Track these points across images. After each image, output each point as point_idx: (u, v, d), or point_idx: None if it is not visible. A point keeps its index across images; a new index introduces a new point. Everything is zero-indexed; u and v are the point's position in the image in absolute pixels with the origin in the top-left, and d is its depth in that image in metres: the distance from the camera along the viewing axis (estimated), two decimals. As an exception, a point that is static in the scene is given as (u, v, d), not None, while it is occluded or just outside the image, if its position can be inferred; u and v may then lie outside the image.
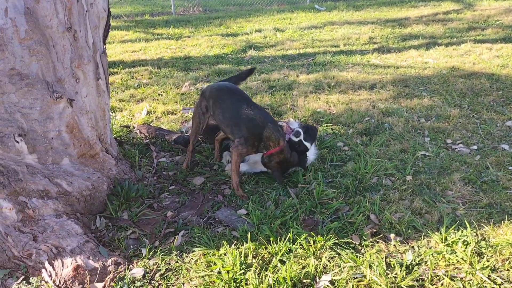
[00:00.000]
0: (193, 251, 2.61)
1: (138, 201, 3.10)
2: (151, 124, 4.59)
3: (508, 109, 4.66)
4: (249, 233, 2.66)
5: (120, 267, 2.49)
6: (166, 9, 13.47)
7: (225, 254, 2.54)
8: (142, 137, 4.22)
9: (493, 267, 2.41)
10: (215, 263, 2.48)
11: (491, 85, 5.44)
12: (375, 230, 2.78)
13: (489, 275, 2.34)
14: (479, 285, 2.29)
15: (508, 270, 2.39)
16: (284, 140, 3.25)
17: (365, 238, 2.70)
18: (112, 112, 4.98)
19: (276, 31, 9.48)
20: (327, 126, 4.44)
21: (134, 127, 4.47)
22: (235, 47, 8.23)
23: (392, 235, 2.70)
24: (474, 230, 2.71)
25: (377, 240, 2.69)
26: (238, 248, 2.59)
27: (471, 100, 4.99)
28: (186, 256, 2.59)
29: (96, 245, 2.61)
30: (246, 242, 2.61)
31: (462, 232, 2.67)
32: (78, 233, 2.65)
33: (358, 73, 6.22)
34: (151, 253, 2.61)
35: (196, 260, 2.55)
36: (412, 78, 5.90)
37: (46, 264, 2.46)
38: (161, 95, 5.63)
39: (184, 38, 9.20)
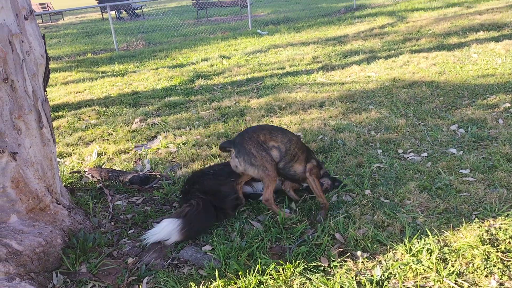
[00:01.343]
0: (160, 297, 2.49)
1: (96, 251, 2.94)
2: (103, 167, 4.43)
3: (451, 114, 4.89)
4: (216, 270, 2.58)
5: (83, 325, 2.33)
6: (108, 46, 13.29)
7: (194, 296, 2.45)
8: (95, 181, 4.05)
9: (458, 272, 2.46)
10: (184, 307, 2.39)
11: (432, 92, 5.71)
12: (342, 249, 2.79)
13: (456, 281, 2.39)
14: (447, 292, 2.33)
15: (472, 273, 2.45)
16: None
17: (333, 259, 2.69)
18: (60, 159, 4.78)
19: (222, 59, 9.57)
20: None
21: (85, 171, 4.29)
22: (183, 78, 8.20)
23: (359, 252, 2.72)
24: (436, 237, 2.77)
25: (345, 259, 2.69)
26: (207, 287, 2.50)
27: (415, 108, 5.20)
28: (153, 304, 2.47)
29: (54, 305, 2.44)
30: (215, 280, 2.54)
31: (425, 241, 2.73)
32: (33, 295, 2.47)
33: (306, 93, 6.35)
34: (115, 306, 2.47)
35: (164, 306, 2.44)
36: (358, 92, 6.09)
37: (0, 335, 2.27)
38: (111, 134, 5.48)
39: (130, 74, 9.07)
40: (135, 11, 21.92)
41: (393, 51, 8.38)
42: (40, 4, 26.09)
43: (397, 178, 3.64)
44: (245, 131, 3.21)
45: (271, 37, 11.87)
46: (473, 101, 5.20)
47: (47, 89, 3.15)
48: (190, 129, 5.35)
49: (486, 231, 2.77)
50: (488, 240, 2.67)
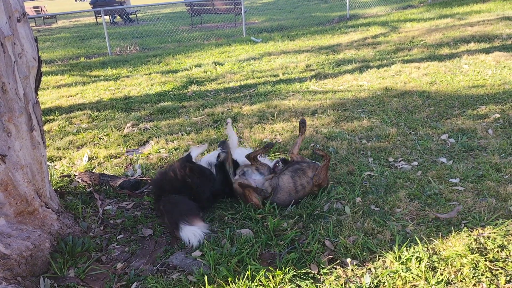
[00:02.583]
0: (148, 303, 2.48)
1: (85, 255, 2.92)
2: (93, 171, 4.41)
3: (441, 124, 4.94)
4: (206, 276, 2.57)
5: (69, 331, 2.30)
6: (101, 50, 13.25)
7: (182, 302, 2.43)
8: (85, 185, 4.03)
9: (447, 280, 2.47)
10: (173, 313, 2.37)
11: (423, 102, 5.76)
12: (331, 257, 2.79)
13: (444, 289, 2.40)
14: (436, 300, 2.33)
15: (461, 281, 2.46)
16: None
17: (323, 266, 2.69)
18: (50, 162, 4.74)
19: (216, 65, 9.58)
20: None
21: (75, 175, 4.26)
22: (176, 83, 8.20)
23: (348, 260, 2.72)
24: (425, 245, 2.79)
25: (335, 267, 2.69)
26: (196, 293, 2.49)
27: (406, 117, 5.24)
28: (142, 309, 2.45)
29: (41, 310, 2.41)
30: (204, 286, 2.53)
31: (414, 249, 2.74)
32: (19, 300, 2.44)
33: (299, 100, 6.38)
34: (103, 311, 2.45)
35: (153, 312, 2.42)
36: (350, 101, 6.13)
37: None
38: (102, 139, 5.45)
39: (123, 78, 9.05)
40: (129, 16, 21.92)
41: (385, 61, 8.46)
42: (34, 7, 26.00)
43: (388, 186, 3.66)
44: None
45: (265, 44, 11.92)
46: (463, 111, 5.25)
47: (38, 92, 3.13)
48: (182, 135, 5.35)
49: (475, 240, 2.79)
50: (476, 249, 2.69)
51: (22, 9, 2.88)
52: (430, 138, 4.58)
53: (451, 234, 2.87)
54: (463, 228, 2.94)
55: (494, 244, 2.73)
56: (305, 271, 2.65)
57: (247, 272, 2.62)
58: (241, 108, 6.28)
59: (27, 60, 2.88)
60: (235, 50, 11.48)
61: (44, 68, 10.63)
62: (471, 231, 2.89)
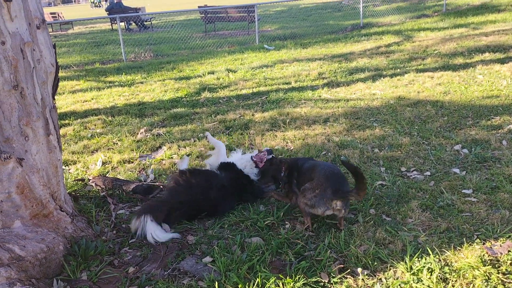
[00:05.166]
0: (159, 308, 2.49)
1: (97, 259, 2.96)
2: (107, 175, 4.46)
3: (455, 134, 4.90)
4: (216, 282, 2.59)
5: (81, 333, 2.33)
6: (116, 57, 13.43)
7: (193, 308, 2.44)
8: (98, 189, 4.08)
9: (458, 292, 2.45)
10: (183, 318, 2.38)
11: (436, 111, 5.73)
12: (342, 266, 2.78)
13: (456, 301, 2.38)
14: (447, 312, 2.31)
15: (473, 293, 2.44)
16: None
17: (334, 275, 2.69)
18: (65, 166, 4.82)
19: (229, 72, 9.65)
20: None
21: (89, 179, 4.32)
22: (189, 90, 8.27)
23: (359, 269, 2.71)
24: (437, 256, 2.77)
25: (345, 276, 2.69)
26: (206, 299, 2.51)
27: (419, 127, 5.22)
28: (152, 314, 2.47)
29: (54, 312, 2.45)
30: (214, 292, 2.54)
31: (425, 260, 2.73)
32: (33, 301, 2.48)
33: (311, 108, 6.39)
34: (114, 315, 2.47)
35: (163, 317, 2.44)
36: (363, 110, 6.12)
37: None
38: (116, 143, 5.52)
39: (137, 84, 9.16)
40: (144, 23, 22.17)
41: (398, 70, 8.43)
42: (51, 13, 26.46)
43: (400, 196, 3.65)
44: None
45: (277, 52, 11.97)
46: (477, 122, 5.21)
47: (55, 97, 3.20)
48: (194, 141, 5.39)
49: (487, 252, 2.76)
50: (489, 261, 2.67)
51: (42, 16, 2.95)
52: (443, 148, 4.55)
53: (463, 246, 2.85)
54: (475, 239, 2.92)
55: (507, 256, 2.70)
56: (316, 279, 2.65)
57: (258, 279, 2.62)
58: (253, 115, 6.32)
59: (45, 66, 2.95)
60: (248, 57, 11.55)
61: (60, 73, 10.77)
62: (484, 243, 2.86)
